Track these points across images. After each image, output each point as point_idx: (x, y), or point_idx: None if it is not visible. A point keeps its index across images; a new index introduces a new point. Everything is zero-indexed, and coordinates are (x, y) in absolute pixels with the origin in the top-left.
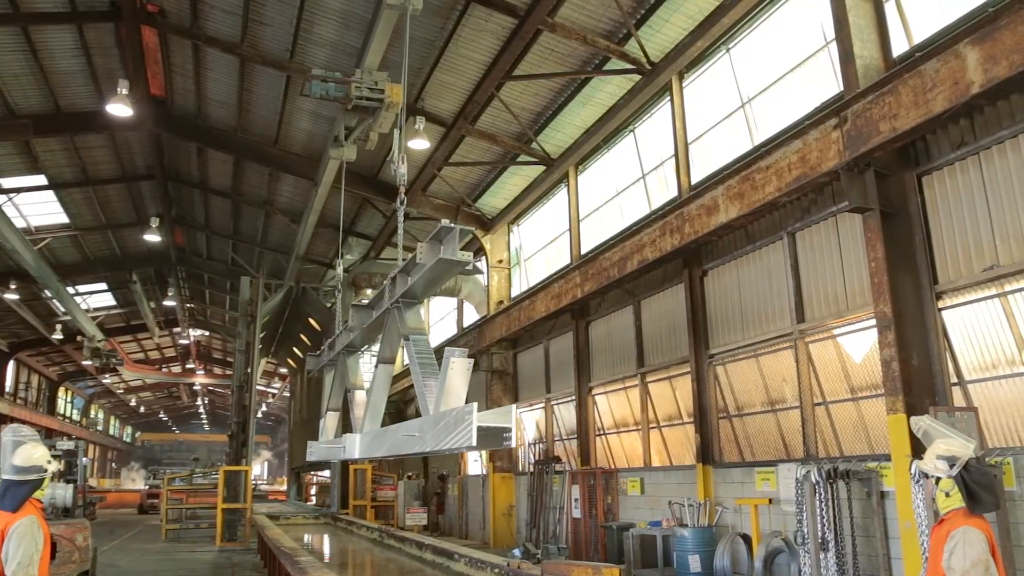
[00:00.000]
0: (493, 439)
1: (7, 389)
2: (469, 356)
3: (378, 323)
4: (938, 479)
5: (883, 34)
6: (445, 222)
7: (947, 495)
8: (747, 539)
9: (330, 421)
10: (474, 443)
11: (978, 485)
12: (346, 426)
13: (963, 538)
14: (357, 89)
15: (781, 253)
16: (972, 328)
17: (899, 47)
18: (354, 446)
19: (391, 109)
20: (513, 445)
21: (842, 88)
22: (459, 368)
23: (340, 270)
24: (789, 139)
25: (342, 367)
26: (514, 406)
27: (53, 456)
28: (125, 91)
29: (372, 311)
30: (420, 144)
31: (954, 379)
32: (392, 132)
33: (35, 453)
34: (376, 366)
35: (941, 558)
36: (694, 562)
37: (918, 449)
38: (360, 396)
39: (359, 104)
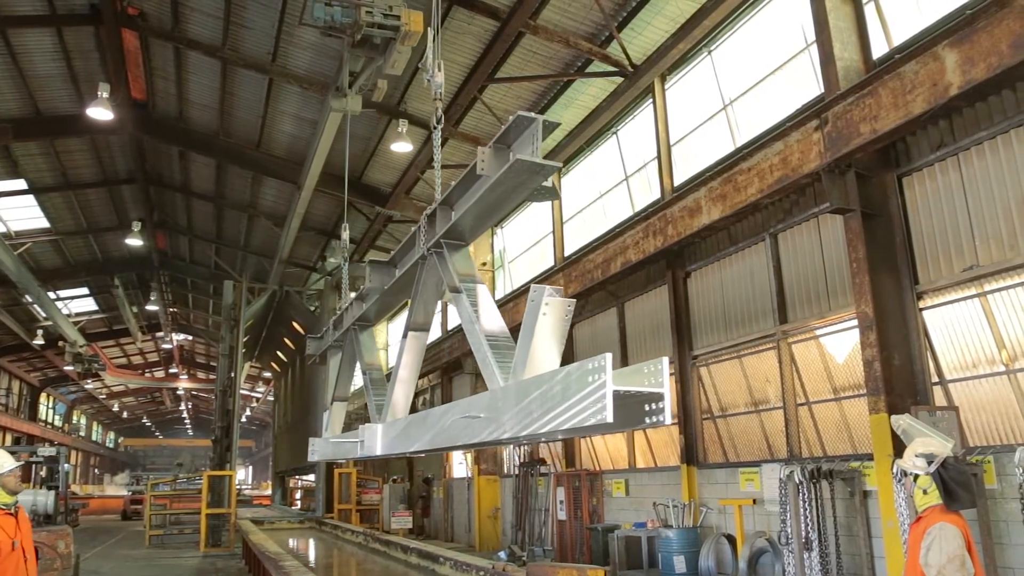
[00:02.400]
0: (633, 412)
1: None
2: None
3: (406, 280)
4: (916, 476)
5: (863, 36)
6: (522, 112)
7: (925, 492)
8: (732, 539)
9: (337, 412)
10: (608, 417)
11: (955, 482)
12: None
13: (939, 534)
14: (368, 14)
15: (764, 254)
16: (953, 328)
17: (879, 49)
18: (375, 439)
19: (407, 41)
20: (668, 421)
21: (823, 90)
22: (555, 313)
23: (345, 235)
24: (771, 141)
25: (352, 346)
26: (665, 359)
27: (33, 461)
28: (106, 95)
29: (395, 269)
30: (403, 147)
31: (935, 378)
32: (401, 72)
33: None
34: (404, 336)
35: (919, 554)
36: (679, 563)
37: (900, 449)
38: (379, 379)
39: (369, 35)
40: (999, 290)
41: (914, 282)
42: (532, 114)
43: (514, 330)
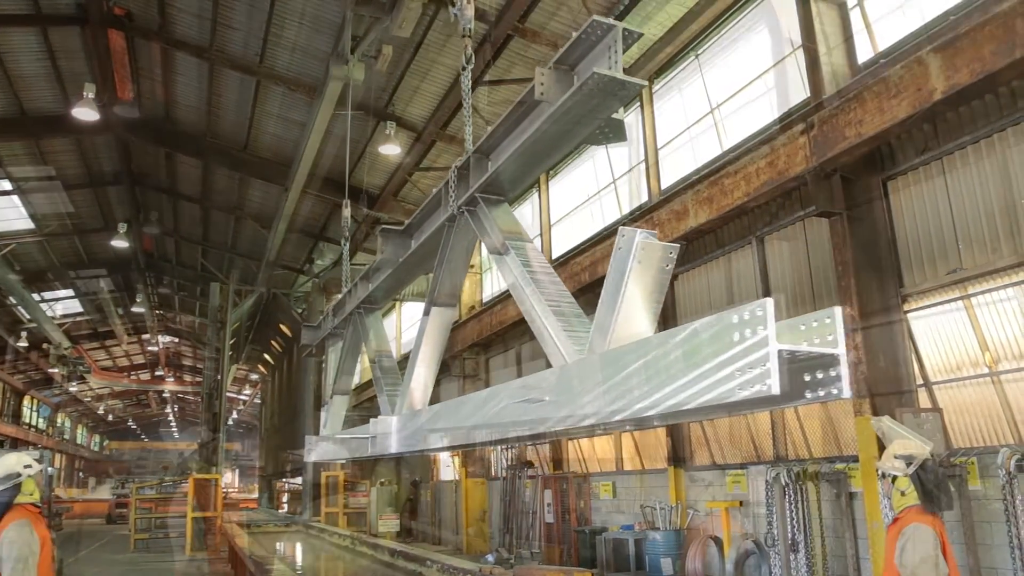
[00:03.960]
0: (790, 383)
1: None
2: None
3: (428, 249)
4: (895, 478)
5: (849, 41)
6: (596, 17)
7: (903, 494)
8: (718, 541)
9: (337, 407)
10: (774, 387)
11: (933, 484)
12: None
13: (913, 535)
14: None
15: (750, 257)
16: (937, 331)
17: (864, 54)
18: (390, 435)
19: None
20: (847, 393)
21: (809, 94)
22: (652, 264)
23: (347, 211)
24: (757, 145)
25: (357, 332)
26: (839, 309)
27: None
28: (91, 95)
29: (411, 240)
30: (391, 149)
31: (920, 381)
32: (410, 34)
33: (7, 461)
34: (426, 313)
35: (895, 555)
36: (666, 565)
37: (884, 450)
38: (390, 366)
39: None
40: (982, 293)
41: (899, 285)
42: (609, 20)
43: (496, 333)
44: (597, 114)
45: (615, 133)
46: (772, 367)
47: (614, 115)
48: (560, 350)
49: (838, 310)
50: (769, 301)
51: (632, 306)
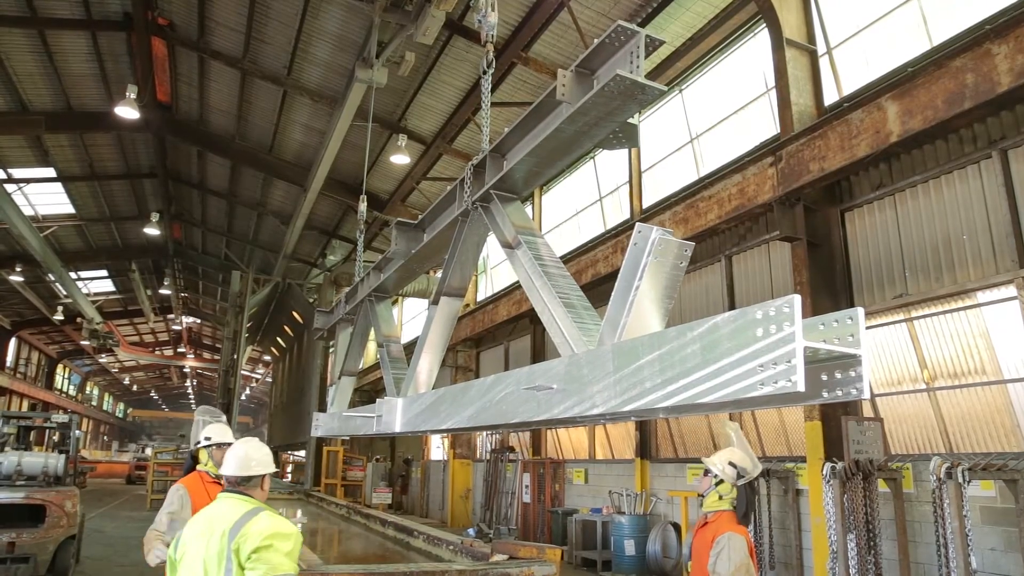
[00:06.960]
0: (814, 381)
1: (8, 364)
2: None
3: (440, 241)
4: (721, 481)
5: (817, 84)
6: (622, 22)
7: (720, 497)
8: (677, 527)
9: (344, 387)
10: (799, 384)
11: (749, 502)
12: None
13: (729, 544)
14: None
15: (719, 273)
16: (882, 348)
17: (830, 97)
18: (394, 414)
19: (443, 4)
20: (866, 394)
21: (779, 130)
22: (667, 260)
23: (363, 206)
24: (730, 173)
25: (366, 318)
26: (860, 309)
27: (47, 427)
28: (133, 95)
29: (423, 233)
30: (401, 159)
31: None
32: (432, 41)
33: (195, 433)
34: (436, 301)
35: (708, 560)
36: (629, 546)
37: (831, 453)
38: (397, 351)
39: None
40: (924, 317)
41: (850, 305)
42: (632, 26)
43: (487, 330)
44: (615, 117)
45: (628, 138)
46: (798, 364)
47: (630, 120)
48: (569, 341)
49: (860, 311)
50: (797, 298)
51: (644, 302)
